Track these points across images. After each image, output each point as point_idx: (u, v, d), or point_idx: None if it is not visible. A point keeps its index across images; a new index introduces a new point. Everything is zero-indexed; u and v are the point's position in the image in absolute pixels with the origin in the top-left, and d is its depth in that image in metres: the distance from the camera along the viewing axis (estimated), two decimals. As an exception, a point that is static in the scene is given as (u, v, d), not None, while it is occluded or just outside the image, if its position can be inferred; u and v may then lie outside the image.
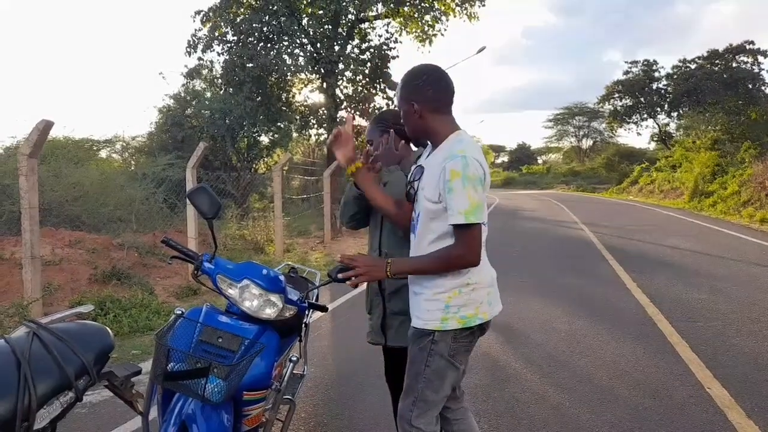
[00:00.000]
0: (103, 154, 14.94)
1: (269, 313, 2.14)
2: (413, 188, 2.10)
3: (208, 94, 15.84)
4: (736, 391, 3.73)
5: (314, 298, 2.66)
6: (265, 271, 2.19)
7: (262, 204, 15.02)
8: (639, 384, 3.91)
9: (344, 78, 15.53)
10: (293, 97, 16.40)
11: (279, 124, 15.79)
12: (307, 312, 2.65)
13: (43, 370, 1.66)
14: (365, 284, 2.44)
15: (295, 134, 17.56)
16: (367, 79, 15.52)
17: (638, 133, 60.45)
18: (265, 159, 16.68)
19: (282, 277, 2.27)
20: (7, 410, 1.54)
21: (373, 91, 15.76)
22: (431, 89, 2.02)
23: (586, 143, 62.00)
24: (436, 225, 1.98)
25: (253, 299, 2.12)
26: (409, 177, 2.15)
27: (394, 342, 2.43)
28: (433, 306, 1.99)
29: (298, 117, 16.38)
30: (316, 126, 16.64)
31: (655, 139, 41.71)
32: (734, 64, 33.46)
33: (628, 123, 41.36)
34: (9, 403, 1.55)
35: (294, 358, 2.30)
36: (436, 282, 1.99)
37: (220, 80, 15.54)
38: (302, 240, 12.56)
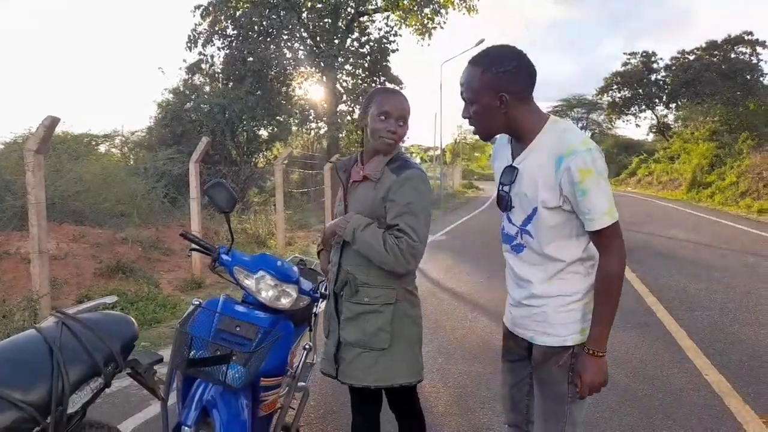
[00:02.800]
0: (101, 148, 15.00)
1: (284, 303, 2.22)
2: (506, 192, 1.77)
3: (207, 89, 15.89)
4: (734, 377, 3.83)
5: (323, 288, 2.75)
6: (279, 263, 2.27)
7: (262, 198, 15.11)
8: (638, 371, 4.01)
9: (344, 71, 15.61)
10: (293, 90, 16.46)
11: (278, 117, 15.85)
12: (317, 302, 2.74)
13: (74, 357, 1.75)
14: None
15: (294, 128, 17.63)
16: (367, 73, 15.61)
17: (637, 125, 60.56)
18: (265, 153, 16.75)
19: (295, 269, 2.35)
20: (43, 395, 1.63)
21: (373, 85, 15.83)
22: (524, 76, 1.67)
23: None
24: (557, 232, 1.68)
25: (268, 290, 2.20)
26: (500, 179, 1.79)
27: (345, 378, 2.13)
28: (569, 317, 1.71)
29: (297, 111, 16.45)
30: (315, 120, 16.71)
31: (653, 130, 41.79)
32: (732, 55, 33.51)
33: (627, 114, 41.47)
34: (44, 388, 1.64)
35: (308, 347, 2.38)
36: (569, 287, 1.72)
37: (220, 75, 15.58)
38: (303, 233, 12.64)
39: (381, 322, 2.07)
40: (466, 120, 1.76)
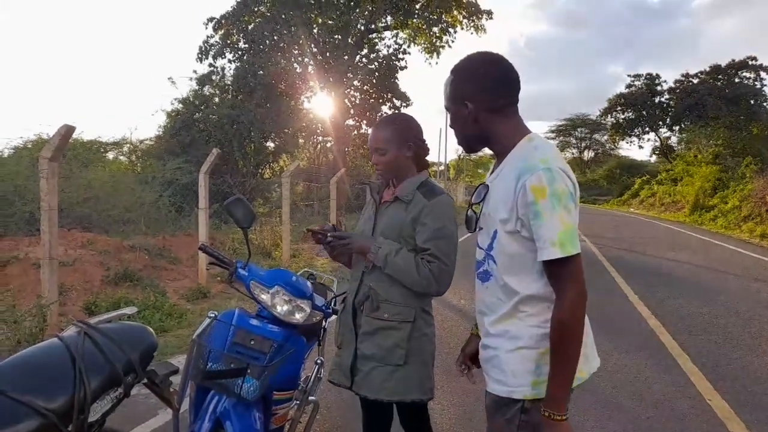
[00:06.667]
0: (109, 155, 15.13)
1: (298, 318, 2.27)
2: (474, 213, 1.64)
3: (217, 100, 16.05)
4: (736, 403, 3.85)
5: (334, 303, 2.80)
6: (294, 278, 2.32)
7: (266, 209, 15.19)
8: (641, 394, 4.02)
9: (352, 87, 15.78)
10: (302, 104, 16.64)
11: (286, 130, 15.99)
12: (327, 317, 2.78)
13: (95, 366, 1.79)
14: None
15: (301, 141, 17.76)
16: (375, 89, 15.77)
17: (640, 146, 60.69)
18: (271, 164, 16.87)
19: (309, 284, 2.41)
20: (65, 403, 1.66)
21: (381, 101, 15.98)
22: (491, 84, 1.54)
23: (588, 155, 62.26)
24: (517, 263, 1.50)
25: (283, 304, 2.25)
26: (471, 198, 1.68)
27: (360, 389, 2.16)
28: (520, 366, 1.51)
29: (305, 124, 16.60)
30: (322, 134, 16.87)
31: (656, 152, 41.95)
32: (736, 80, 33.72)
33: (630, 136, 41.64)
34: (67, 396, 1.67)
35: (319, 361, 2.43)
36: (516, 331, 1.52)
37: (230, 87, 15.75)
38: (307, 245, 12.67)
39: (398, 338, 2.12)
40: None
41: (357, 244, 2.19)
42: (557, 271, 1.42)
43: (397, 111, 15.80)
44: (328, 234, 2.22)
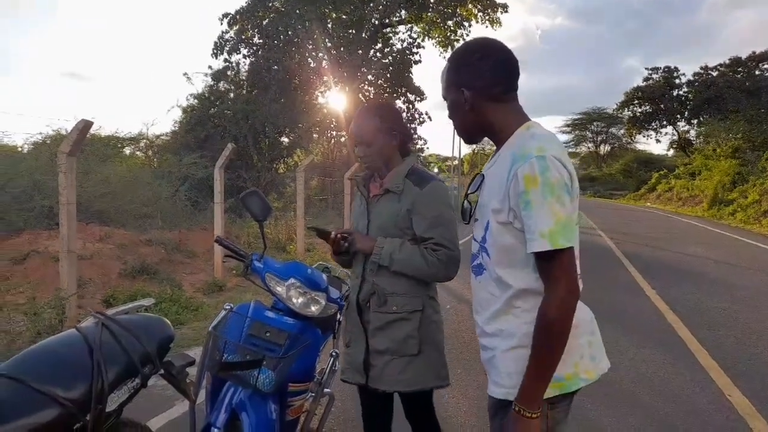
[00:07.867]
0: (126, 151, 15.28)
1: (313, 310, 2.26)
2: (470, 204, 1.61)
3: (232, 95, 16.13)
4: (757, 399, 3.78)
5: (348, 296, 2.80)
6: (309, 271, 2.32)
7: (281, 203, 15.26)
8: (659, 389, 3.98)
9: (366, 82, 15.78)
10: (316, 99, 16.66)
11: (300, 125, 16.02)
12: (342, 310, 2.79)
13: (113, 357, 1.80)
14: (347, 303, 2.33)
15: (315, 135, 17.80)
16: (390, 83, 15.74)
17: (657, 140, 59.56)
18: (286, 159, 16.93)
19: (324, 277, 2.40)
20: (84, 393, 1.68)
21: (395, 96, 15.95)
22: (489, 71, 1.48)
23: (604, 149, 61.73)
24: (510, 255, 1.44)
25: (298, 297, 2.25)
26: (467, 189, 1.63)
27: (377, 384, 2.15)
28: (514, 366, 1.43)
29: (319, 119, 16.63)
30: (336, 128, 16.89)
31: (674, 146, 41.39)
32: (757, 72, 33.14)
33: (647, 129, 41.09)
34: (85, 386, 1.69)
35: (334, 353, 2.43)
36: (511, 329, 1.46)
37: (245, 82, 15.82)
38: (321, 240, 12.70)
39: (409, 329, 2.11)
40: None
41: (358, 245, 2.18)
42: (547, 264, 1.36)
43: (410, 105, 15.80)
44: (333, 232, 2.24)
